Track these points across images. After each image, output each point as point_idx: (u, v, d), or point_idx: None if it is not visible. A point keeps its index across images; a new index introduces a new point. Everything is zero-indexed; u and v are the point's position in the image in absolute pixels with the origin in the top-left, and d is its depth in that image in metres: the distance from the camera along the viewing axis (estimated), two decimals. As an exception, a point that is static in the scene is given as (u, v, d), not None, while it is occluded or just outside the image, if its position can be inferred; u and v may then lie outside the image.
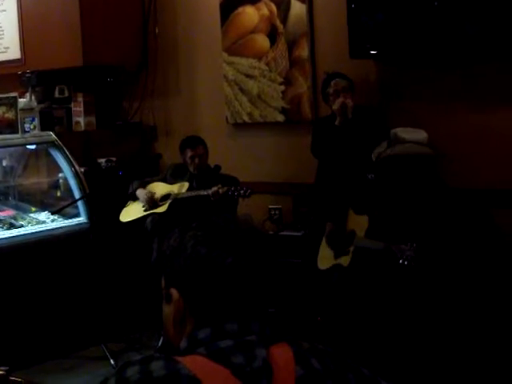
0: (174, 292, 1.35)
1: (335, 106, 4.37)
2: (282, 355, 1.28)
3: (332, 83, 4.46)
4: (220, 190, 4.52)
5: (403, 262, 3.48)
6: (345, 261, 3.91)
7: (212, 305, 1.31)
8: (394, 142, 3.92)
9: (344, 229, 4.03)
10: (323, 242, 4.17)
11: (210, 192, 4.56)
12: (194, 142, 4.85)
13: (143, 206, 4.90)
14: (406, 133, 3.94)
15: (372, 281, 3.76)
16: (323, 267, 4.09)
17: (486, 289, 3.88)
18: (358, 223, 3.93)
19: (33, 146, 5.31)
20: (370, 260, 3.79)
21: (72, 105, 5.91)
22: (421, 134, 3.94)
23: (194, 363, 1.23)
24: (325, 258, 4.11)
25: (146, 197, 4.86)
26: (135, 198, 4.97)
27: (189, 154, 4.81)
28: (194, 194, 4.71)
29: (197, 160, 4.80)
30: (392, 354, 3.63)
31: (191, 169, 4.83)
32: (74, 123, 5.91)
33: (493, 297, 3.89)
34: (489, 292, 3.88)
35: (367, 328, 3.75)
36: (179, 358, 1.25)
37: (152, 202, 4.85)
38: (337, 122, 4.37)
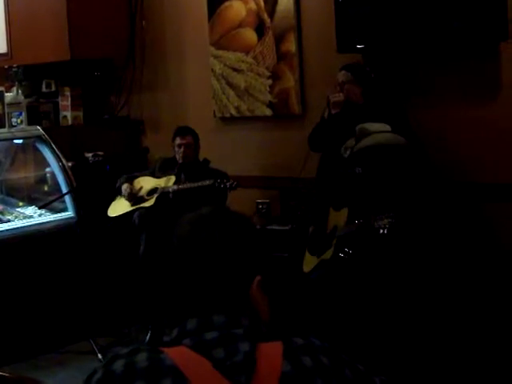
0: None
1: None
2: (270, 351, 1.27)
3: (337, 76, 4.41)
4: (207, 182, 4.54)
5: (383, 231, 3.39)
6: (328, 254, 3.92)
7: (201, 294, 1.31)
8: (361, 136, 3.93)
9: (325, 229, 4.03)
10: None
11: (197, 185, 4.58)
12: (183, 131, 4.91)
13: (129, 201, 4.91)
14: (370, 126, 3.96)
15: (357, 264, 3.74)
16: (308, 269, 4.08)
17: (475, 276, 3.94)
18: (339, 217, 3.93)
19: (20, 141, 5.29)
20: (351, 244, 3.75)
21: (59, 99, 5.90)
22: (385, 127, 3.95)
23: (178, 354, 1.24)
24: (309, 261, 4.10)
25: (126, 192, 4.89)
26: (121, 193, 4.98)
27: (177, 141, 4.87)
28: (181, 187, 4.72)
29: (183, 148, 4.82)
30: (381, 347, 3.66)
31: (178, 157, 4.85)
32: (61, 117, 5.89)
33: (481, 285, 3.95)
34: (478, 279, 3.94)
35: (356, 322, 3.76)
36: (164, 349, 1.26)
37: (132, 198, 4.87)
38: (325, 115, 4.37)
